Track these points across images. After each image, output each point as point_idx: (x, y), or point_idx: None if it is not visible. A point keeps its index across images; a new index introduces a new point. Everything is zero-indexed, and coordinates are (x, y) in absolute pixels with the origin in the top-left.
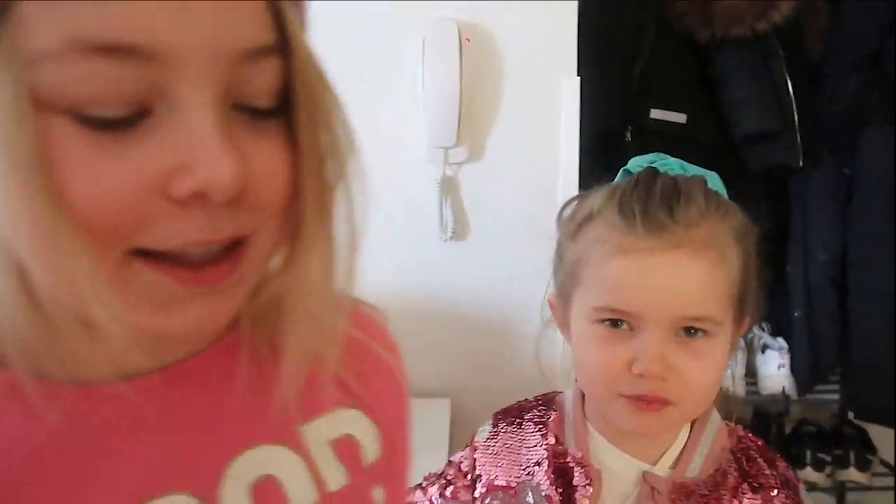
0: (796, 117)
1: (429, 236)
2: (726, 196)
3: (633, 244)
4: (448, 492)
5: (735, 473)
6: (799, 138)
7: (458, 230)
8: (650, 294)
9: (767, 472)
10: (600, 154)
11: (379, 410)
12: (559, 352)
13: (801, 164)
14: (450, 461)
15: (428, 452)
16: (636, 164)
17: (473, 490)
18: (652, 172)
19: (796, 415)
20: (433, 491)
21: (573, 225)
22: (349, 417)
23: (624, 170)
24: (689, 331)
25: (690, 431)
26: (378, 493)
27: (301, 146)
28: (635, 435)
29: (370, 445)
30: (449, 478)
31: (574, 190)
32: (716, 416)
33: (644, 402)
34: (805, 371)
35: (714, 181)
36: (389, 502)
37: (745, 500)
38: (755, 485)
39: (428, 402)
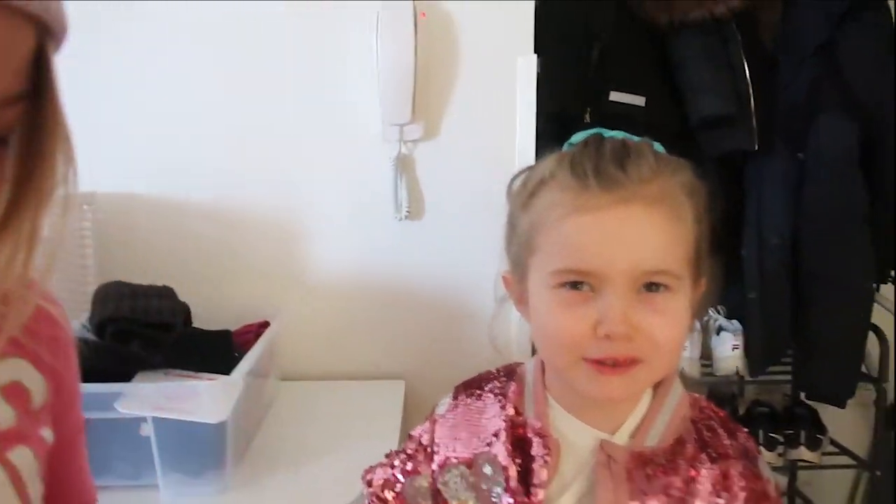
0: (753, 103)
1: (383, 216)
2: None
3: (589, 202)
4: (409, 466)
5: (694, 443)
6: (755, 123)
7: (413, 209)
8: (609, 250)
9: (727, 442)
10: (559, 135)
11: (46, 362)
12: (514, 330)
13: (756, 148)
14: (410, 435)
15: (382, 434)
16: (579, 137)
17: (433, 464)
18: (599, 136)
19: (750, 396)
20: (396, 465)
21: (525, 194)
22: (17, 366)
23: (568, 143)
24: (650, 287)
25: (652, 401)
26: (46, 433)
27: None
28: (598, 402)
29: (38, 392)
30: (409, 452)
31: None
32: (678, 386)
33: (609, 366)
34: (758, 352)
35: (659, 147)
36: (58, 441)
37: (703, 470)
38: (714, 455)
39: (382, 384)
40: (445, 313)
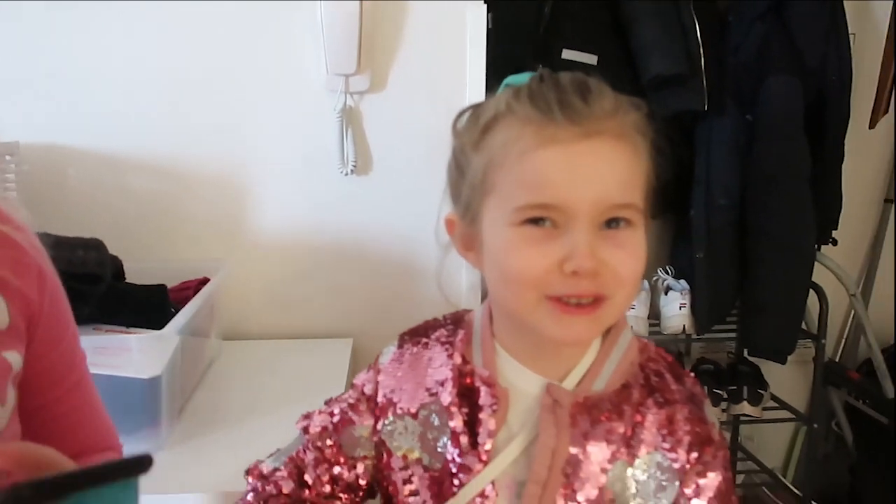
0: (703, 63)
1: (329, 170)
2: None
3: (555, 134)
4: (350, 415)
5: (641, 388)
6: (705, 84)
7: (360, 164)
8: (578, 183)
9: (674, 387)
10: None
11: (10, 285)
12: (464, 278)
13: (706, 108)
14: (353, 384)
15: (328, 393)
16: (515, 79)
17: (376, 414)
18: (550, 71)
19: (696, 354)
20: (337, 413)
21: (476, 131)
22: None
23: (505, 84)
24: (611, 223)
25: (601, 347)
26: (12, 356)
27: None
28: (562, 345)
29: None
30: (352, 401)
31: None
32: (627, 332)
33: (574, 307)
34: (705, 311)
35: None
36: (29, 363)
37: (649, 415)
38: (660, 400)
39: (329, 343)
40: (394, 270)
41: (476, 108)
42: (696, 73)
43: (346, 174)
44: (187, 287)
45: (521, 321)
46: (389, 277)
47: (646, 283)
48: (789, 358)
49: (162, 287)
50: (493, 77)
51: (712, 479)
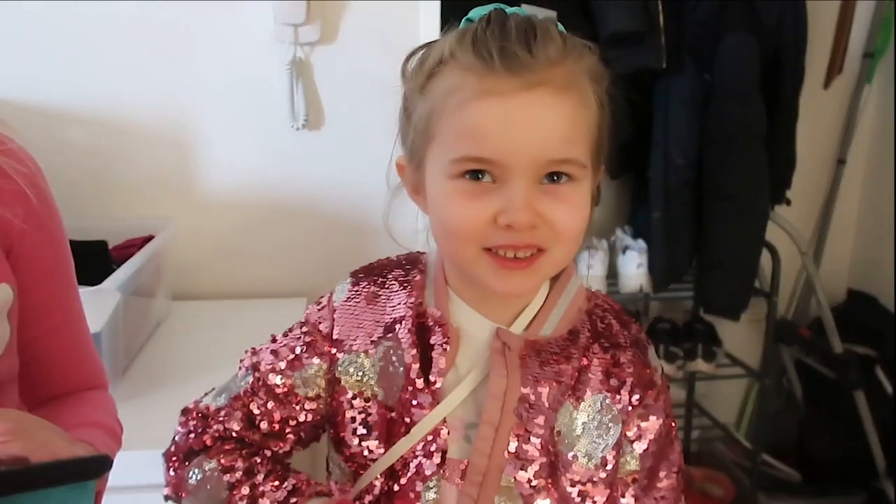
0: (662, 21)
1: (279, 124)
2: None
3: (494, 86)
4: (303, 351)
5: (588, 333)
6: (663, 42)
7: (311, 118)
8: (515, 137)
9: (619, 332)
10: None
11: None
12: (419, 222)
13: (664, 66)
14: (305, 321)
15: None
16: (478, 13)
17: (331, 352)
18: (502, 12)
19: (653, 313)
20: (285, 351)
21: (422, 76)
22: None
23: (466, 19)
24: (553, 177)
25: (549, 293)
26: (1, 288)
27: None
28: (498, 297)
29: None
30: (307, 339)
31: None
32: (576, 279)
33: (511, 260)
34: (662, 270)
35: (561, 28)
36: (21, 295)
37: (595, 360)
38: (606, 345)
39: (282, 303)
40: (348, 227)
41: (425, 50)
42: (655, 30)
43: (298, 129)
44: (132, 245)
45: (463, 270)
46: (343, 234)
47: (604, 242)
48: (742, 316)
49: (102, 243)
50: (448, 30)
51: (653, 423)
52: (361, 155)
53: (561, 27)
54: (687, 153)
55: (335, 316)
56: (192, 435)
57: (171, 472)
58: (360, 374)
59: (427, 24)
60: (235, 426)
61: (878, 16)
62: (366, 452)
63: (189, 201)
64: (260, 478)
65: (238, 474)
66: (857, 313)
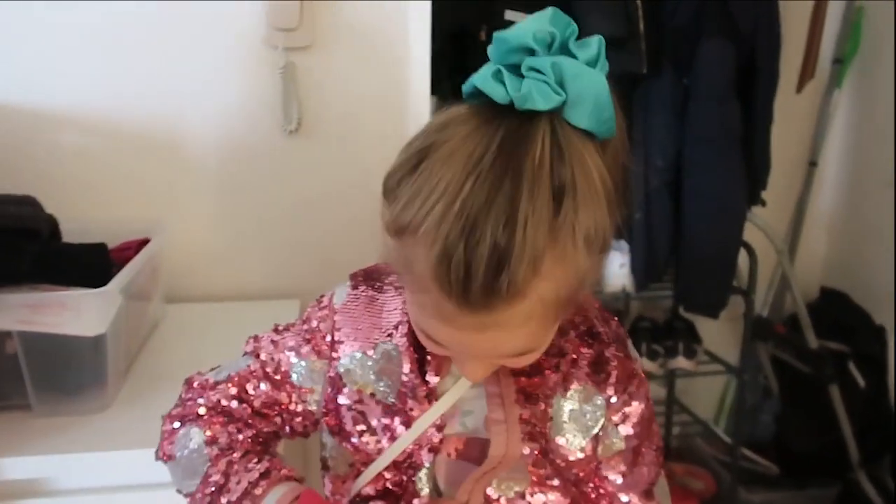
0: (642, 26)
1: (271, 128)
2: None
3: (452, 317)
4: (303, 348)
5: (573, 329)
6: (644, 47)
7: (303, 122)
8: (468, 355)
9: (601, 329)
10: (455, 52)
11: None
12: None
13: (645, 71)
14: (307, 319)
15: None
16: (480, 81)
17: (330, 352)
18: (474, 241)
19: (635, 311)
20: (286, 346)
21: (396, 226)
22: None
23: (471, 84)
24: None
25: None
26: None
27: None
28: None
29: None
30: (308, 338)
31: (426, 84)
32: None
33: None
34: (642, 269)
35: (600, 43)
36: None
37: (582, 350)
38: (590, 340)
39: (276, 304)
40: (339, 230)
41: (407, 199)
42: (635, 35)
43: (291, 132)
44: (127, 248)
45: None
46: (335, 237)
47: None
48: (721, 314)
49: (102, 246)
50: (438, 37)
51: (636, 408)
52: (354, 158)
53: (599, 44)
54: (666, 155)
55: (336, 318)
56: (189, 402)
57: (165, 432)
58: (360, 373)
59: (417, 32)
60: (226, 401)
61: (847, 22)
62: (367, 449)
63: (181, 204)
64: (237, 455)
65: (217, 448)
66: (829, 310)
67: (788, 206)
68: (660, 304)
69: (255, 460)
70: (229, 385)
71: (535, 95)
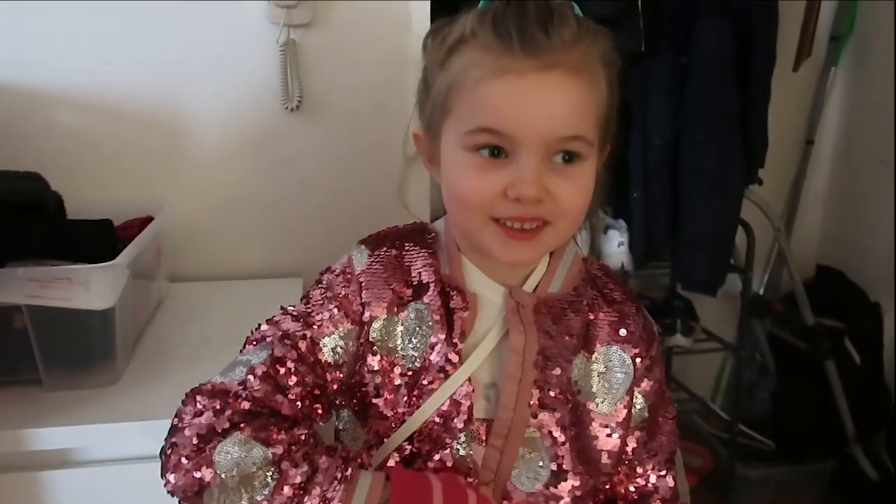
0: (640, 3)
1: (273, 105)
2: None
3: (511, 65)
4: (336, 315)
5: (591, 290)
6: (642, 25)
7: (305, 99)
8: (528, 114)
9: (617, 289)
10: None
11: None
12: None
13: (643, 49)
14: (328, 287)
15: None
16: None
17: (359, 317)
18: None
19: (633, 289)
20: (325, 315)
21: (443, 50)
22: None
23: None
24: (563, 157)
25: (550, 258)
26: None
27: None
28: (505, 265)
29: None
30: (335, 305)
31: None
32: (573, 245)
33: (517, 231)
34: (641, 248)
35: (577, 10)
36: None
37: (601, 314)
38: (609, 299)
39: (279, 283)
40: (342, 207)
41: (447, 27)
42: (633, 13)
43: (291, 110)
44: (131, 226)
45: (471, 238)
46: (337, 214)
47: (586, 222)
48: (718, 292)
49: (108, 222)
50: (439, 12)
51: (656, 374)
52: (355, 135)
53: (577, 10)
54: (664, 134)
55: (361, 280)
56: (209, 414)
57: (185, 461)
58: (392, 334)
59: (418, 8)
60: (263, 395)
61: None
62: (392, 413)
63: (181, 182)
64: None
65: (281, 448)
66: (825, 287)
67: (785, 184)
68: (658, 283)
69: (326, 453)
70: (257, 379)
71: None
